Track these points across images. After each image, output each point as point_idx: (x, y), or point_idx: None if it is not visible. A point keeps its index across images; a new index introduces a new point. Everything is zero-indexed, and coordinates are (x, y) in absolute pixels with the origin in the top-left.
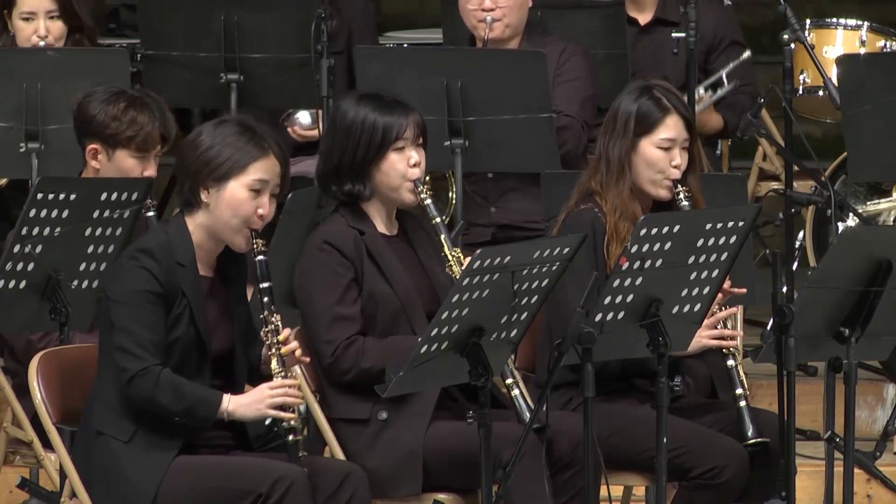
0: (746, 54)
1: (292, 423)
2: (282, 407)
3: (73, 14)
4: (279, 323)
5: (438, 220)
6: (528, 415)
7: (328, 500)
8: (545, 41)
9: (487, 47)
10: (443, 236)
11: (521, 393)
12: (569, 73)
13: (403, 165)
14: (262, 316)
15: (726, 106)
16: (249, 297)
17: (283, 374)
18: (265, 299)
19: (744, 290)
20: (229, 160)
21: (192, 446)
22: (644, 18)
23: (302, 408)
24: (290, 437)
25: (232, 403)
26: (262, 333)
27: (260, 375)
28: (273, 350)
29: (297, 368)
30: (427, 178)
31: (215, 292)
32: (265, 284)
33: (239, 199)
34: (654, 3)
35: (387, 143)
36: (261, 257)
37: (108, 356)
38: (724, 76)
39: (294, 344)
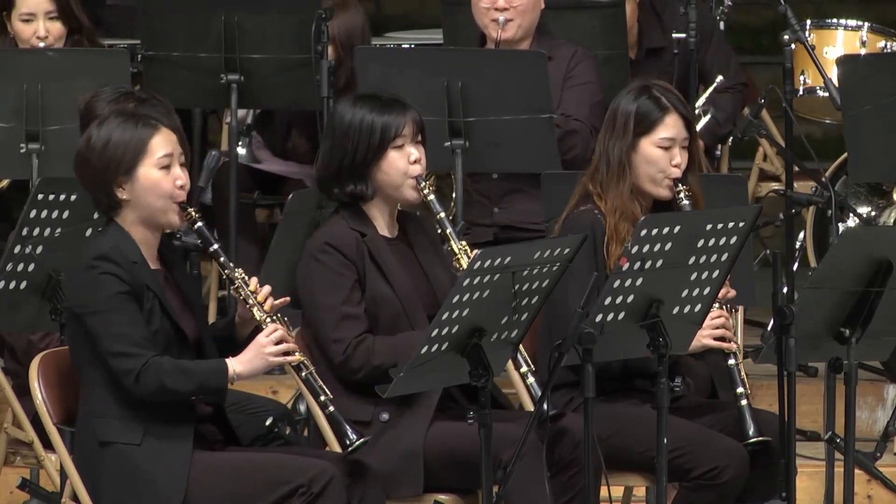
0: (719, 79)
1: (301, 359)
2: (282, 351)
3: (72, 15)
4: (244, 276)
5: (442, 214)
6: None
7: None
8: (555, 44)
9: (499, 48)
10: (448, 230)
11: (535, 381)
12: (579, 78)
13: (404, 163)
14: (224, 275)
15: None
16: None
17: (269, 319)
18: (221, 259)
19: (733, 293)
20: (128, 149)
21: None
22: (632, 54)
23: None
24: (303, 374)
25: (238, 365)
26: (231, 291)
27: (237, 344)
28: (251, 301)
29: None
30: (433, 176)
31: (169, 283)
32: (214, 247)
33: (154, 179)
34: (636, 40)
35: (385, 142)
36: (199, 224)
37: (89, 369)
38: (699, 109)
39: (267, 289)
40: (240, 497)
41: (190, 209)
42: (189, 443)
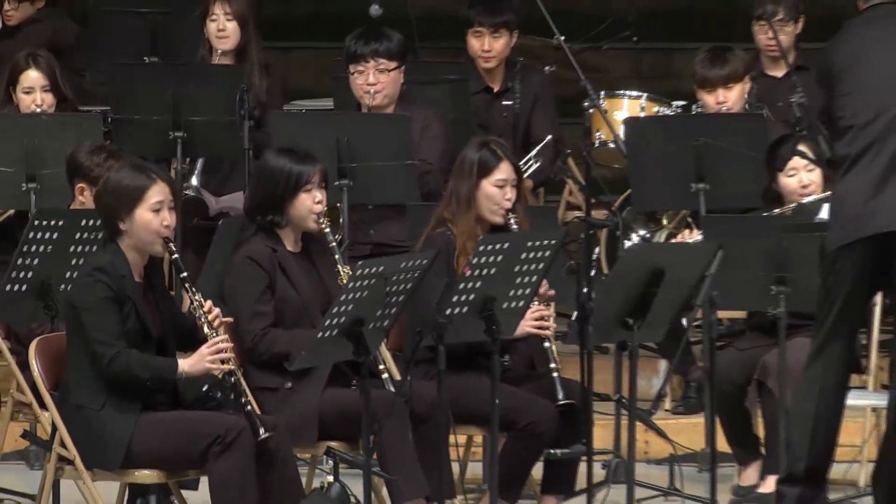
0: (548, 138)
1: (231, 368)
2: (220, 360)
3: (60, 89)
4: (201, 299)
5: (334, 244)
6: (392, 387)
7: (259, 444)
8: (413, 108)
9: (370, 112)
10: (336, 256)
11: (389, 375)
12: (431, 132)
13: (310, 203)
14: (188, 295)
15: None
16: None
17: (213, 334)
18: (186, 285)
19: (553, 293)
20: (130, 193)
21: (147, 406)
22: (496, 86)
23: (232, 379)
24: (232, 378)
25: (185, 365)
26: (189, 309)
27: (197, 339)
28: (202, 320)
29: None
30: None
31: (147, 294)
32: (184, 275)
33: (147, 219)
34: (502, 76)
35: (299, 186)
36: (175, 256)
37: (75, 349)
38: (533, 160)
39: (216, 311)
40: (176, 446)
41: (170, 243)
42: (136, 413)
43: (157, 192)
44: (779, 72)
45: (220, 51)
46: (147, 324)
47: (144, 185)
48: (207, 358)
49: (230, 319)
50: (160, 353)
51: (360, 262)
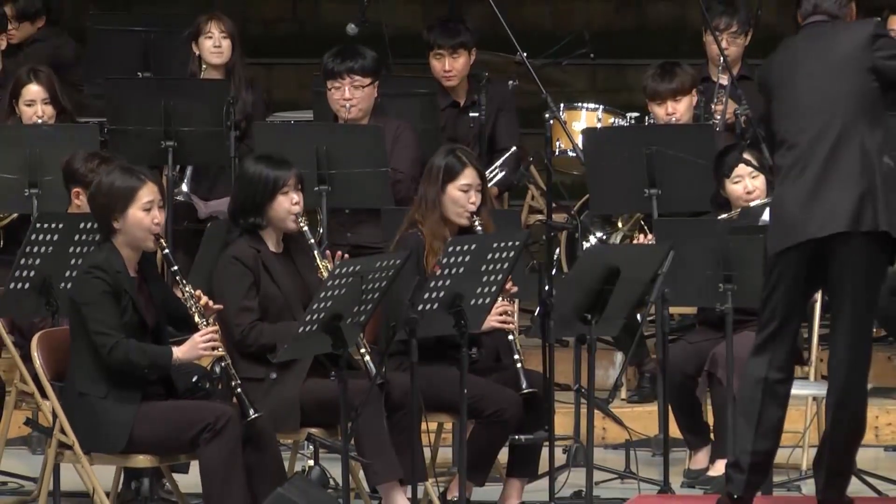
0: (514, 148)
1: (222, 354)
2: (211, 347)
3: (59, 101)
4: (191, 289)
5: (312, 241)
6: (374, 371)
7: (247, 429)
8: (386, 120)
9: (346, 123)
10: (315, 252)
11: (370, 359)
12: (402, 142)
13: (288, 204)
14: (179, 287)
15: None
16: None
17: (204, 323)
18: (177, 277)
19: (517, 288)
20: (123, 195)
21: (144, 396)
22: (462, 101)
23: (217, 369)
24: (222, 363)
25: (179, 353)
26: (182, 299)
27: (189, 324)
28: (193, 309)
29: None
30: (304, 212)
31: (141, 287)
32: (174, 268)
33: (138, 217)
34: (466, 90)
35: (276, 189)
36: (166, 251)
37: (78, 342)
38: (498, 169)
39: (205, 298)
40: (170, 433)
41: (161, 239)
42: (136, 402)
43: (147, 193)
44: (723, 79)
45: (204, 67)
46: (143, 315)
47: (135, 186)
48: (200, 346)
49: (220, 307)
50: (155, 342)
51: (337, 262)
